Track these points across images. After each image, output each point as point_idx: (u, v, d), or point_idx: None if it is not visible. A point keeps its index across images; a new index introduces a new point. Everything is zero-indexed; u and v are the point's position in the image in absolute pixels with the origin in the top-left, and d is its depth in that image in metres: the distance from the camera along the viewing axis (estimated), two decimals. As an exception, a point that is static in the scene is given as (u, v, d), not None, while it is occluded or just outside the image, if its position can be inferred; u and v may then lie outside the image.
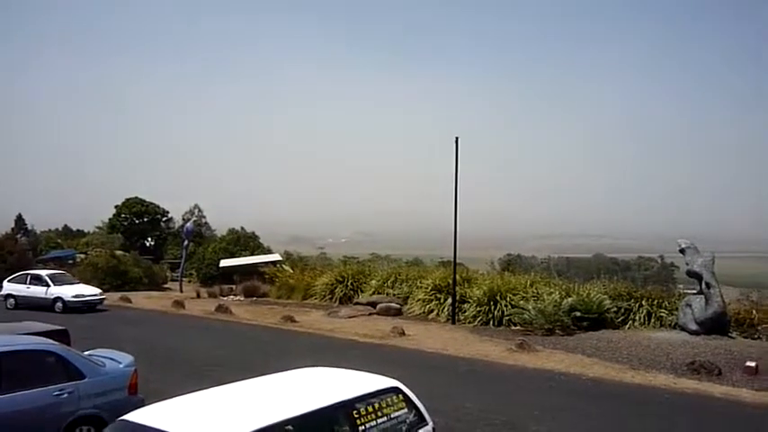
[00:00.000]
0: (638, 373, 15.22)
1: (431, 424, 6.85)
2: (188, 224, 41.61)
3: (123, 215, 54.56)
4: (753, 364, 14.87)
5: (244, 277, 35.35)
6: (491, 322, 21.86)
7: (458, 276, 23.60)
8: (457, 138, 22.90)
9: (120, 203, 55.08)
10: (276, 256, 39.97)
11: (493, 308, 22.10)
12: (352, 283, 28.95)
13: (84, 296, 26.80)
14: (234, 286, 34.62)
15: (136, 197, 55.05)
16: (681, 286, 24.02)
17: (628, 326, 20.34)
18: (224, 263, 38.15)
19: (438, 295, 24.50)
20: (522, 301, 21.44)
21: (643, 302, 20.80)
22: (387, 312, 24.59)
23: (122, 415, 5.65)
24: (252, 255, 40.08)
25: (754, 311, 19.73)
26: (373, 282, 28.27)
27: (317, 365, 7.49)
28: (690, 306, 18.37)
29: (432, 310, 24.19)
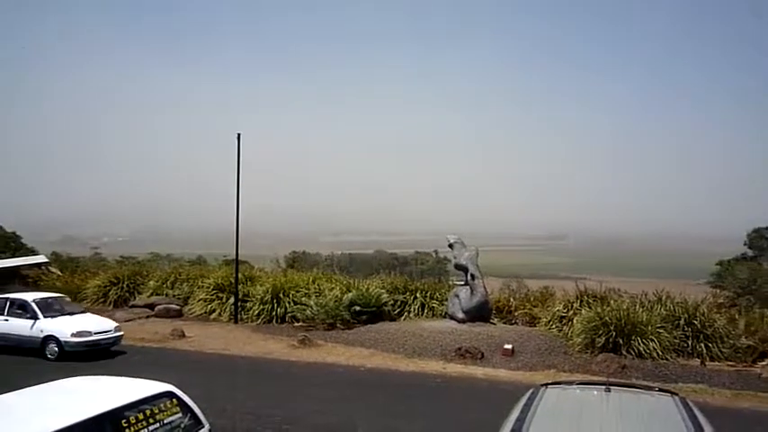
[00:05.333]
0: (413, 362, 16.29)
1: (207, 426, 6.77)
2: (-68, 224, 36.67)
3: None
4: (509, 346, 16.67)
5: (3, 282, 31.94)
6: (274, 320, 21.93)
7: (241, 275, 23.36)
8: (239, 134, 22.61)
9: None
10: (41, 258, 36.61)
11: (276, 305, 22.18)
12: (128, 285, 27.24)
13: (90, 334, 17.20)
14: (-10, 292, 31.15)
15: None
16: (453, 279, 25.74)
17: (404, 317, 21.43)
18: (-22, 267, 34.18)
19: (220, 295, 24.00)
20: (304, 298, 21.77)
21: (417, 295, 22.04)
22: (166, 314, 23.57)
23: None
24: (13, 257, 36.39)
25: (512, 299, 21.91)
26: (151, 282, 26.88)
27: (84, 375, 7.05)
28: (458, 296, 19.84)
29: (214, 310, 23.62)
